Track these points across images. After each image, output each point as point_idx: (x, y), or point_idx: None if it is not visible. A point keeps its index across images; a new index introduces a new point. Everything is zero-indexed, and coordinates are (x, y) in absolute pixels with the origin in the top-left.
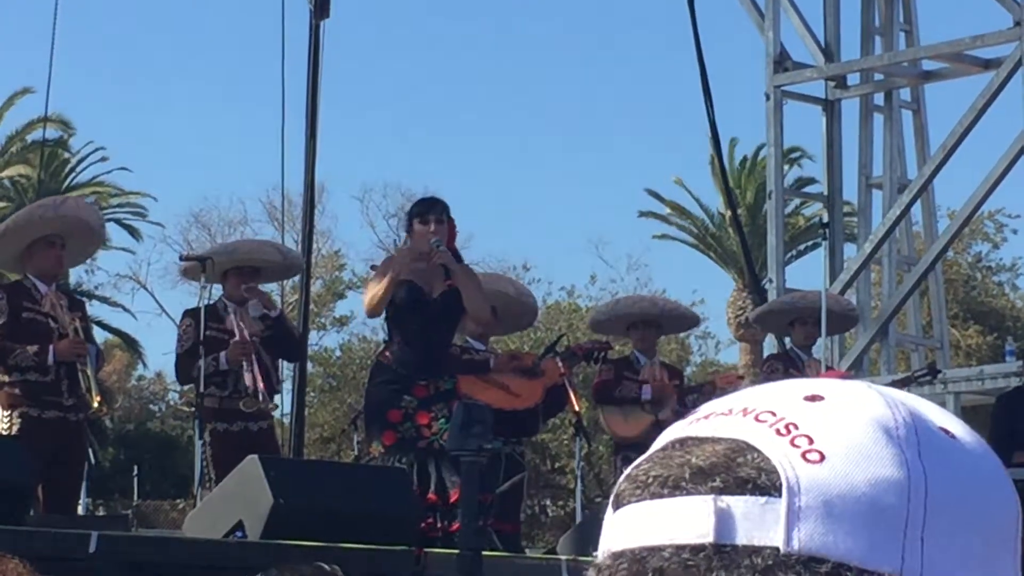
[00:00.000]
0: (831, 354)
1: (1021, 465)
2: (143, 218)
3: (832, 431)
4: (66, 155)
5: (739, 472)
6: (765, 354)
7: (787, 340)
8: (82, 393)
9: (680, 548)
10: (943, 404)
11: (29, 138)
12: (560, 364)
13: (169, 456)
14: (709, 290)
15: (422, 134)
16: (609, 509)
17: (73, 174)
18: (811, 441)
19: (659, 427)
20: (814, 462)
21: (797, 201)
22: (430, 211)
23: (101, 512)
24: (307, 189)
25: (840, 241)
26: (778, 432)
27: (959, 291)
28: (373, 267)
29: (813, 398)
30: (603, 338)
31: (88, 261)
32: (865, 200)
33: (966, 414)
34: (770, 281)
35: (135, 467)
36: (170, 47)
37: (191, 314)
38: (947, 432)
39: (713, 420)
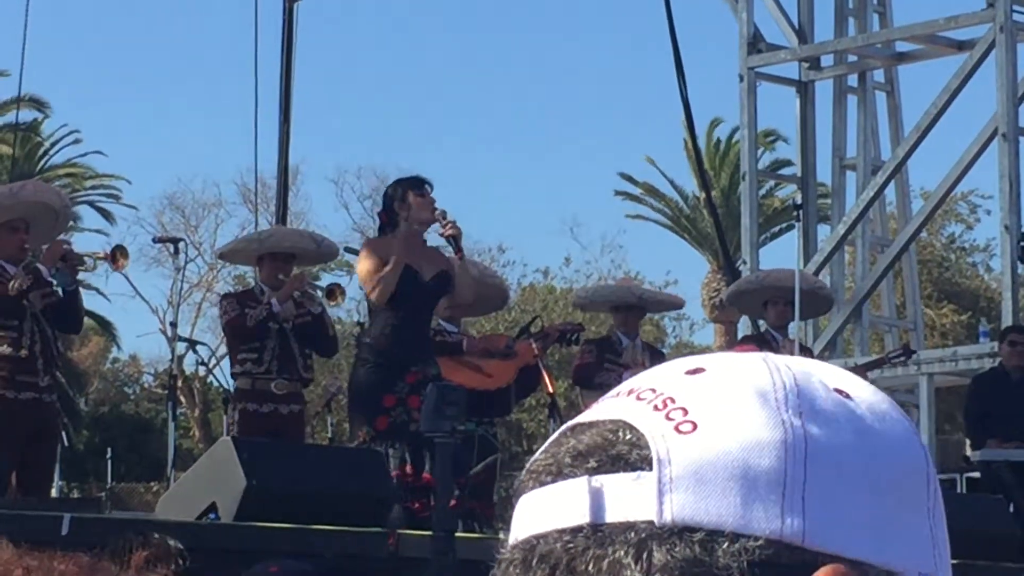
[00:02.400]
0: (805, 335)
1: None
2: (117, 201)
3: (708, 401)
4: (38, 138)
5: (612, 450)
6: (740, 335)
7: (761, 322)
8: (55, 373)
9: (562, 532)
10: (916, 385)
11: (2, 120)
12: (534, 345)
13: (144, 439)
14: (683, 272)
15: (396, 116)
16: (514, 499)
17: (47, 156)
18: (685, 413)
19: None
20: (686, 433)
21: (771, 183)
22: (425, 184)
23: (76, 495)
24: (281, 171)
25: (814, 223)
26: (655, 408)
27: (933, 272)
28: (348, 249)
29: (694, 371)
30: (577, 319)
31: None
32: (839, 181)
33: (940, 395)
34: (744, 263)
35: (109, 450)
36: (144, 30)
37: (229, 296)
38: (842, 393)
39: (602, 404)
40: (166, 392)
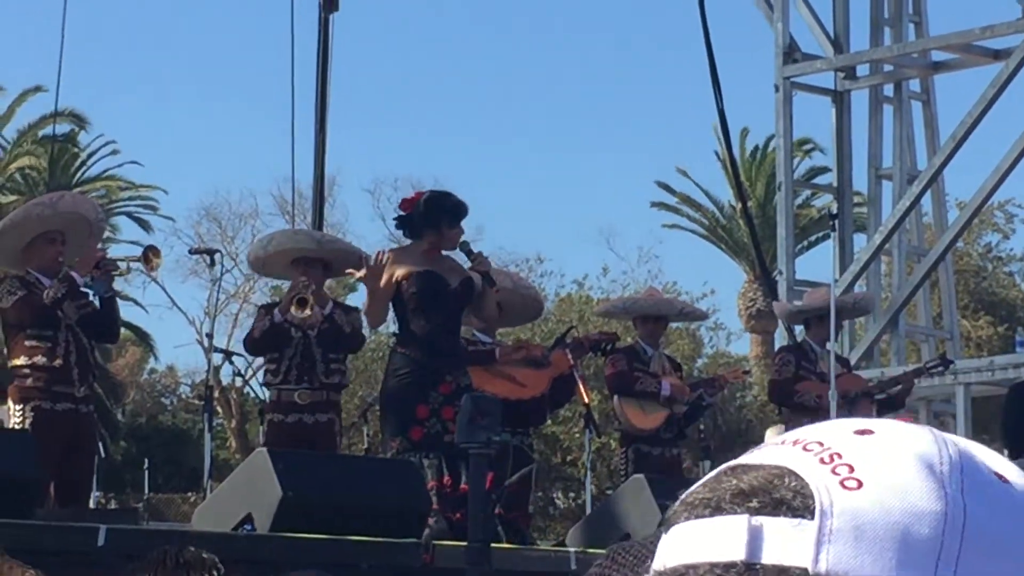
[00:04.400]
0: (841, 346)
1: None
2: (154, 211)
3: (874, 462)
4: (75, 149)
5: (776, 494)
6: (776, 345)
7: (798, 331)
8: (91, 383)
9: (715, 565)
10: (953, 395)
11: (40, 133)
12: (569, 355)
13: (181, 450)
14: (720, 281)
15: (433, 126)
16: (661, 531)
17: (84, 168)
18: (852, 470)
19: (672, 419)
20: (851, 489)
21: (808, 192)
22: (464, 215)
23: (113, 505)
24: (317, 182)
25: (850, 232)
26: (822, 460)
27: (969, 282)
28: (367, 258)
29: (863, 432)
30: (611, 329)
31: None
32: (875, 191)
33: (977, 405)
34: (780, 272)
35: (146, 460)
36: (181, 41)
37: (262, 307)
38: (1000, 476)
39: (766, 449)
40: (203, 403)
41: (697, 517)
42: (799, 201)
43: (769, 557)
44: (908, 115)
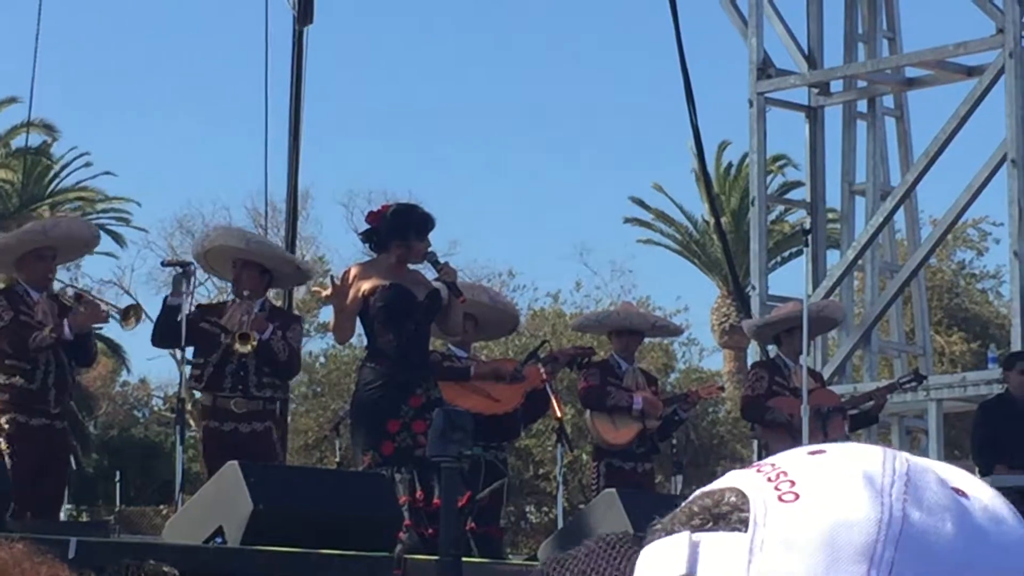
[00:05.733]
0: (814, 360)
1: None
2: (127, 224)
3: (816, 477)
4: (48, 161)
5: (716, 510)
6: (749, 361)
7: (771, 348)
8: (67, 402)
9: None
10: (925, 411)
11: (13, 144)
12: (542, 370)
13: (152, 462)
14: (693, 297)
15: (407, 140)
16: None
17: (57, 180)
18: (792, 484)
19: (644, 434)
20: (788, 502)
21: (781, 208)
22: (431, 228)
23: (84, 518)
24: (290, 195)
25: (823, 248)
26: (768, 479)
27: (943, 298)
28: (332, 278)
29: (816, 452)
30: (587, 344)
31: (72, 267)
32: (848, 207)
33: (949, 421)
34: (753, 288)
35: (118, 473)
36: (154, 54)
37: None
38: (960, 492)
39: (731, 474)
40: (175, 415)
41: (655, 539)
42: (773, 217)
43: (705, 570)
44: (882, 131)
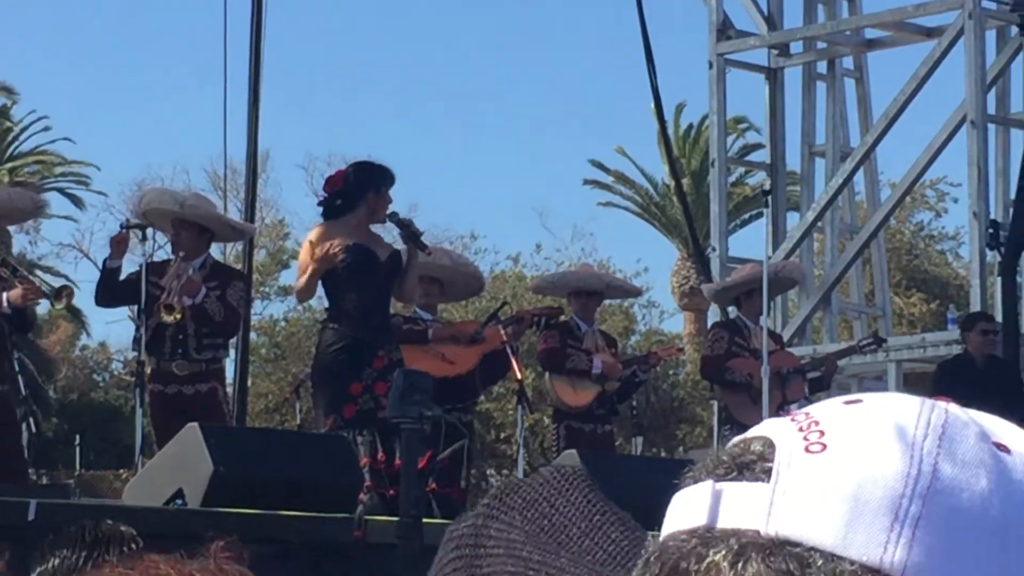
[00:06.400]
0: (774, 322)
1: None
2: (86, 187)
3: (847, 428)
4: (8, 123)
5: (741, 459)
6: (710, 323)
7: (731, 310)
8: (7, 367)
9: (682, 532)
10: (885, 372)
11: None
12: (503, 331)
13: (113, 426)
14: (653, 259)
15: (367, 103)
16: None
17: (16, 143)
18: (822, 435)
19: (604, 396)
20: (814, 452)
21: (741, 170)
22: (392, 182)
23: (44, 482)
24: (250, 158)
25: (783, 209)
26: (799, 428)
27: (902, 259)
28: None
29: (852, 402)
30: (554, 304)
31: (31, 232)
32: (808, 168)
33: (909, 382)
34: (713, 250)
35: (78, 437)
36: (112, 16)
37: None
38: (1002, 447)
39: (766, 421)
40: (134, 379)
41: (686, 486)
42: (733, 179)
43: (725, 521)
44: (841, 92)
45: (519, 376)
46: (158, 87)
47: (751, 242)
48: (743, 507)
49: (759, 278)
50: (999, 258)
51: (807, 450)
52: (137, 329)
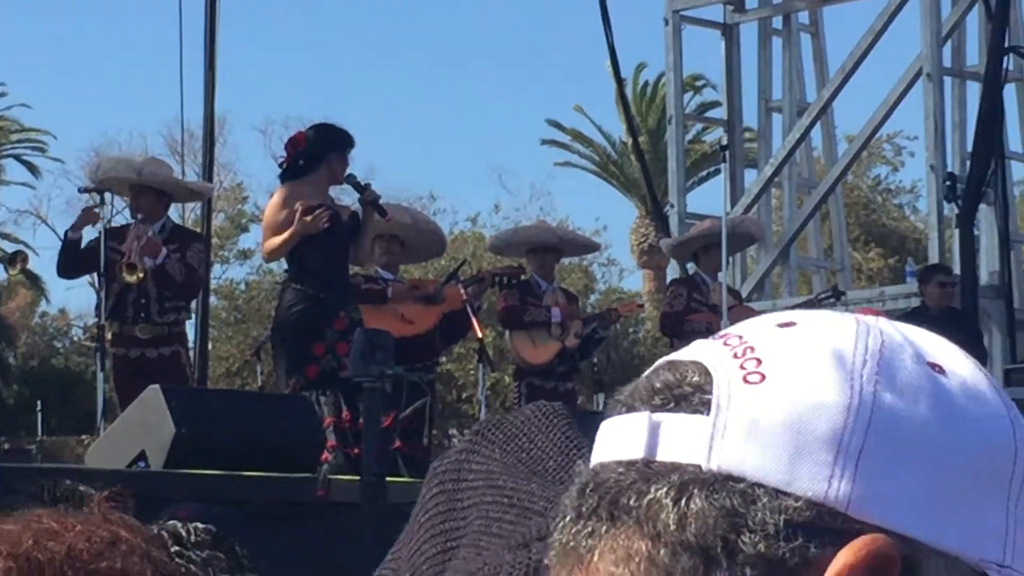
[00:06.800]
0: (733, 278)
1: None
2: (43, 153)
3: (784, 355)
4: None
5: (678, 390)
6: (668, 280)
7: (690, 266)
8: None
9: (619, 463)
10: None
11: None
12: (463, 290)
13: (74, 392)
14: (612, 218)
15: (323, 65)
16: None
17: None
18: (759, 363)
19: (565, 353)
20: (753, 383)
21: (699, 127)
22: (352, 145)
23: (6, 447)
24: (207, 121)
25: (741, 166)
26: (735, 355)
27: (860, 214)
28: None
29: (786, 324)
30: (514, 263)
31: None
32: (765, 123)
33: None
34: (671, 207)
35: (39, 403)
36: None
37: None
38: (936, 367)
39: (697, 344)
40: (95, 344)
41: (615, 415)
42: (690, 136)
43: (665, 454)
44: (797, 48)
45: (480, 335)
46: (114, 53)
47: (709, 199)
48: (683, 441)
49: (716, 232)
50: (956, 211)
51: (745, 380)
52: (98, 294)
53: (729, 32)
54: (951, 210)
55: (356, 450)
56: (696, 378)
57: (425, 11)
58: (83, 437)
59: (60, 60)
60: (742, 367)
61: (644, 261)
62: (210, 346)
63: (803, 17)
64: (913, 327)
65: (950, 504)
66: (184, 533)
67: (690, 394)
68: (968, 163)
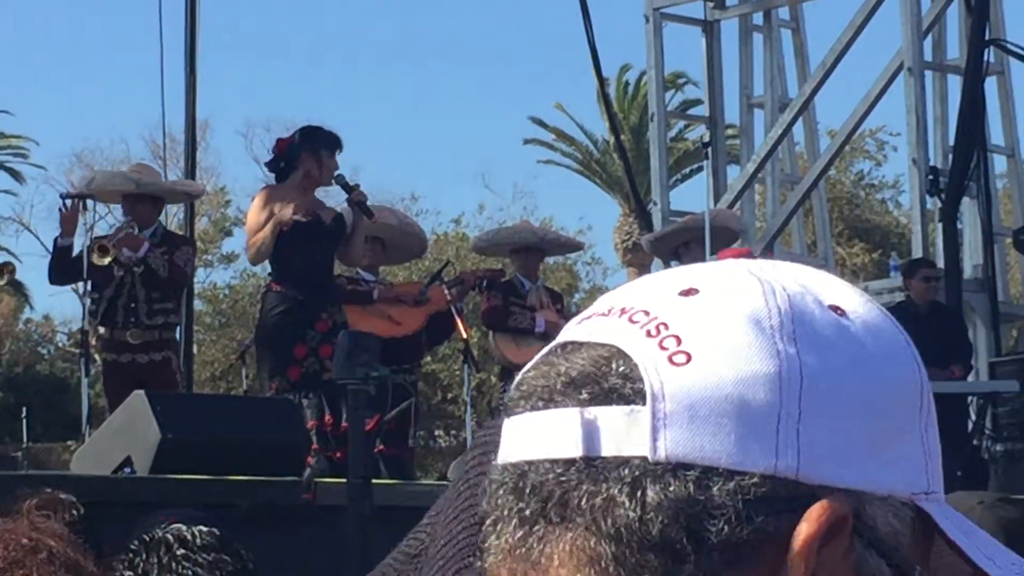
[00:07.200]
0: None
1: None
2: (25, 159)
3: (702, 329)
4: None
5: (606, 383)
6: None
7: (673, 264)
8: None
9: (554, 463)
10: None
11: None
12: (447, 291)
13: (59, 398)
14: (596, 217)
15: (305, 67)
16: (504, 415)
17: None
18: (679, 342)
19: None
20: (680, 364)
21: (681, 124)
22: (339, 145)
23: None
24: (189, 126)
25: (724, 162)
26: (648, 334)
27: (843, 209)
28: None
29: (688, 292)
30: (495, 266)
31: None
32: (747, 120)
33: None
34: (655, 204)
35: (24, 409)
36: None
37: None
38: (838, 310)
39: (594, 321)
40: (80, 351)
41: (532, 408)
42: (672, 134)
43: (608, 449)
44: (778, 43)
45: (464, 336)
46: (95, 59)
47: (692, 196)
48: (623, 435)
49: (693, 226)
50: (939, 205)
51: (671, 361)
52: (81, 300)
53: (710, 29)
54: (934, 204)
55: (338, 453)
56: (620, 367)
57: (406, 12)
58: (69, 443)
59: (41, 67)
60: (662, 347)
61: (628, 259)
62: (195, 350)
63: (783, 13)
64: (798, 266)
65: (878, 448)
66: (190, 536)
67: (619, 386)
68: (950, 157)
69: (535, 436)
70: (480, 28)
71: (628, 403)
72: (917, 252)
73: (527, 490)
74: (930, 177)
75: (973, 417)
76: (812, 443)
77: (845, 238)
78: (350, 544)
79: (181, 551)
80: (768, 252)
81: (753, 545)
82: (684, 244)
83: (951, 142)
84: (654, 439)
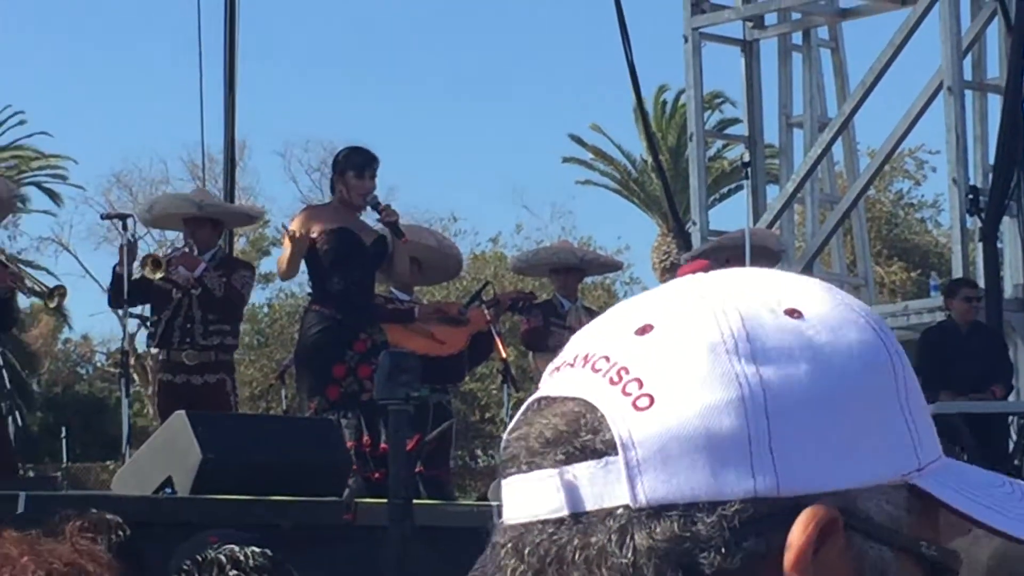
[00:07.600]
0: None
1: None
2: (64, 181)
3: (660, 368)
4: None
5: (578, 441)
6: None
7: None
8: None
9: (545, 523)
10: None
11: None
12: (486, 312)
13: (97, 418)
14: (634, 236)
15: (343, 88)
16: (499, 477)
17: None
18: (640, 385)
19: None
20: (644, 409)
21: (720, 144)
22: (368, 166)
23: (31, 475)
24: (227, 146)
25: (763, 181)
26: (611, 381)
27: (882, 229)
28: (284, 227)
29: (643, 330)
30: (527, 288)
31: (10, 226)
32: (786, 140)
33: None
34: (693, 223)
35: (63, 430)
36: (86, 7)
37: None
38: (794, 313)
39: (563, 373)
40: (119, 371)
41: (519, 471)
42: (711, 153)
43: (591, 504)
44: (817, 63)
45: (504, 355)
46: (134, 79)
47: (731, 216)
48: (602, 488)
49: (730, 244)
50: (979, 224)
51: (635, 406)
52: (122, 322)
53: (749, 49)
54: (974, 223)
55: (377, 474)
56: (589, 421)
57: (444, 32)
58: (108, 463)
59: (80, 87)
60: (625, 392)
61: (666, 279)
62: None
63: (823, 32)
64: (751, 272)
65: (855, 442)
66: (243, 557)
67: (591, 441)
68: (990, 176)
69: (524, 498)
70: (519, 48)
71: (601, 456)
72: (957, 272)
73: (525, 550)
74: (970, 196)
75: (1014, 437)
76: (787, 456)
77: (884, 257)
78: (390, 564)
79: (233, 572)
80: (808, 272)
81: (749, 568)
82: (724, 263)
83: (991, 161)
84: (632, 487)
